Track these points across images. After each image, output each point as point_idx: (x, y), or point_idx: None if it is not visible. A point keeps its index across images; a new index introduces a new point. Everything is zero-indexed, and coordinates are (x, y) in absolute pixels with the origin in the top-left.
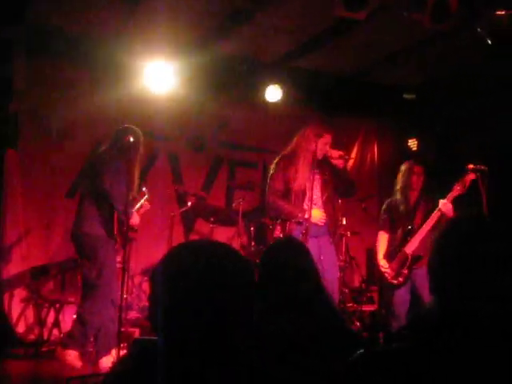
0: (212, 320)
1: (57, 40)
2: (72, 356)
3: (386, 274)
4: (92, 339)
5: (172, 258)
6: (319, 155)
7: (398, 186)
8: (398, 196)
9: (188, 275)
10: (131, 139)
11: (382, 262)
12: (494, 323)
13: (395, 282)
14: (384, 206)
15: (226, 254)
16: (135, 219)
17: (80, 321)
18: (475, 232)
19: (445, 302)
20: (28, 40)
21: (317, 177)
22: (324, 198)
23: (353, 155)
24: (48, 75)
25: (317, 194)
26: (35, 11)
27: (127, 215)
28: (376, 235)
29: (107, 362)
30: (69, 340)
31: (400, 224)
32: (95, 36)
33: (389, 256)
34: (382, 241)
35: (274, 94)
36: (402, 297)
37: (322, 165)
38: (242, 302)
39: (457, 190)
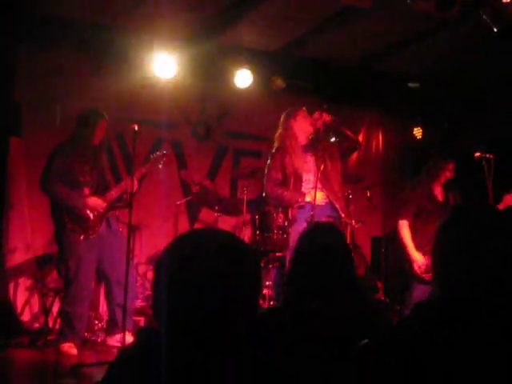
0: (215, 308)
1: (60, 28)
2: (66, 346)
3: (418, 268)
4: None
5: (176, 246)
6: (309, 130)
7: (429, 177)
8: (428, 187)
9: (191, 263)
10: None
11: (417, 255)
12: (495, 313)
13: (427, 277)
14: (408, 193)
15: (230, 243)
16: (92, 203)
17: (63, 315)
18: (481, 221)
19: (447, 291)
20: (31, 28)
21: (309, 159)
22: (321, 177)
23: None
24: (51, 63)
25: (311, 176)
26: (39, 1)
27: (81, 206)
28: (380, 223)
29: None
30: (60, 337)
31: (433, 217)
32: (99, 24)
33: (420, 248)
34: (408, 231)
35: (277, 82)
36: (423, 293)
37: (313, 143)
38: (246, 290)
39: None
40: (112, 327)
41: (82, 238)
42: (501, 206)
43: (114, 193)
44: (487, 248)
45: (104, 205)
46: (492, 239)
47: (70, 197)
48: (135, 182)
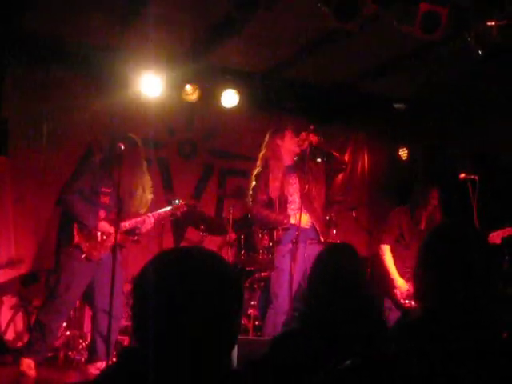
0: (195, 328)
1: (47, 46)
2: (25, 365)
3: (398, 294)
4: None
5: (154, 265)
6: (295, 150)
7: (414, 205)
8: (413, 214)
9: (169, 283)
10: (122, 147)
11: (400, 282)
12: (471, 330)
13: (406, 304)
14: (391, 218)
15: (211, 262)
16: (101, 228)
17: (37, 326)
18: (456, 239)
19: (429, 311)
20: (18, 46)
21: (294, 181)
22: (304, 198)
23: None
24: (39, 81)
25: (296, 198)
26: (27, 17)
27: (91, 226)
28: (366, 244)
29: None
30: (25, 349)
31: (413, 244)
32: (88, 43)
33: (402, 275)
34: (390, 256)
35: (264, 103)
36: (396, 318)
37: (298, 165)
38: (227, 310)
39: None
40: (91, 355)
41: (83, 256)
42: None
43: (127, 224)
44: (466, 266)
45: (112, 233)
46: (472, 258)
47: (84, 214)
48: (152, 222)
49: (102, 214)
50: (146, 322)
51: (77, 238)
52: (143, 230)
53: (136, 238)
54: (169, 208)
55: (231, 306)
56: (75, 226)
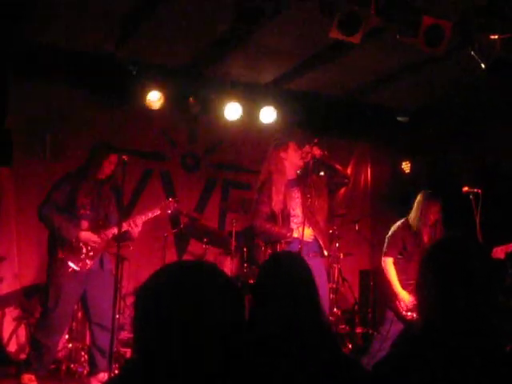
0: (195, 342)
1: (51, 57)
2: (26, 379)
3: (401, 307)
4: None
5: (155, 279)
6: (299, 163)
7: (415, 217)
8: (415, 227)
9: (171, 297)
10: (125, 159)
11: (403, 294)
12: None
13: (408, 316)
14: (394, 232)
15: (212, 275)
16: (84, 238)
17: (34, 344)
18: (457, 252)
19: (430, 321)
20: (22, 57)
21: (297, 194)
22: (307, 212)
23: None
24: (43, 93)
25: (299, 211)
26: (31, 29)
27: (72, 237)
28: (369, 257)
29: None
30: (23, 366)
31: (415, 257)
32: (89, 54)
33: (404, 288)
34: (393, 268)
35: (268, 115)
36: (398, 330)
37: (301, 178)
38: (228, 323)
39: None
40: (92, 368)
41: (70, 270)
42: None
43: (113, 231)
44: (468, 279)
45: (98, 241)
46: (473, 268)
47: (63, 227)
48: (139, 224)
49: (85, 224)
50: (147, 335)
51: (60, 253)
52: (133, 234)
53: (126, 245)
54: (156, 208)
55: (233, 319)
56: (57, 240)
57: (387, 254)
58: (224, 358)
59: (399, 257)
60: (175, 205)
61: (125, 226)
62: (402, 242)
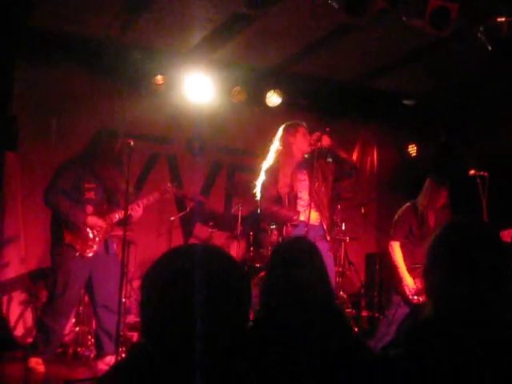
0: (203, 325)
1: (57, 43)
2: (33, 362)
3: (407, 291)
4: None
5: (161, 263)
6: (305, 149)
7: (423, 202)
8: (422, 211)
9: (179, 280)
10: (131, 143)
11: (409, 279)
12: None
13: (414, 299)
14: (400, 216)
15: (218, 258)
16: (91, 223)
17: (41, 328)
18: (465, 236)
19: (437, 307)
20: (28, 42)
21: (304, 177)
22: (314, 198)
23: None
24: (49, 79)
25: (305, 194)
26: (36, 15)
27: (80, 222)
28: (375, 241)
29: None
30: (31, 350)
31: (422, 241)
32: (98, 40)
33: (410, 271)
34: (399, 252)
35: (274, 99)
36: (404, 313)
37: (309, 162)
38: (235, 306)
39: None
40: (99, 350)
41: (77, 254)
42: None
43: (117, 215)
44: (475, 264)
45: (104, 225)
46: (479, 255)
47: (71, 212)
48: (140, 209)
49: (90, 209)
50: (154, 318)
51: (68, 238)
52: (133, 219)
53: (129, 229)
54: (156, 193)
55: (241, 301)
56: (63, 225)
57: (394, 238)
58: (230, 342)
59: (406, 239)
60: (174, 189)
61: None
62: (409, 225)
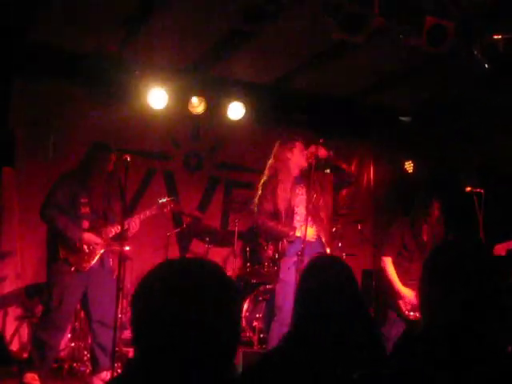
0: (192, 340)
1: (54, 58)
2: (29, 378)
3: (403, 307)
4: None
5: (150, 277)
6: (303, 164)
7: (416, 216)
8: (415, 226)
9: (164, 294)
10: (128, 159)
11: (406, 290)
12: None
13: (411, 316)
14: (394, 230)
15: (209, 272)
16: (87, 239)
17: (36, 343)
18: (459, 255)
19: (430, 324)
20: (26, 57)
21: (301, 191)
22: (311, 212)
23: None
24: (46, 93)
25: (302, 209)
26: (34, 30)
27: (76, 238)
28: (371, 257)
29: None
30: (26, 365)
31: (416, 256)
32: (93, 54)
33: (406, 285)
34: (392, 267)
35: (269, 115)
36: (401, 331)
37: (306, 175)
38: (226, 318)
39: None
40: (95, 366)
41: (72, 269)
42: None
43: (113, 230)
44: (470, 283)
45: (99, 242)
46: (473, 272)
47: (67, 228)
48: (137, 223)
49: (86, 224)
50: (144, 333)
51: (63, 253)
52: (129, 233)
53: (125, 244)
54: (154, 207)
55: (231, 315)
56: (59, 240)
57: (386, 254)
58: (220, 356)
59: (400, 257)
60: (172, 204)
61: (125, 225)
62: (402, 241)
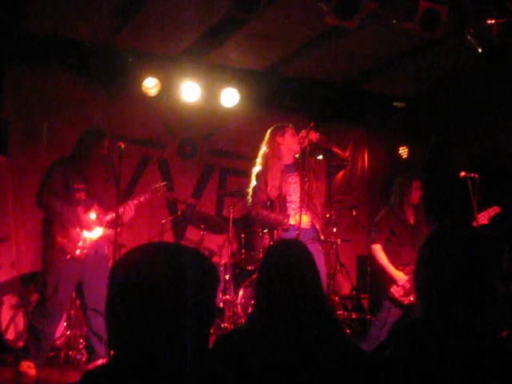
0: (166, 325)
1: (47, 46)
2: (25, 366)
3: (397, 292)
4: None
5: (123, 261)
6: (296, 149)
7: (398, 200)
8: (399, 211)
9: (139, 280)
10: (122, 146)
11: (399, 274)
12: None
13: (405, 301)
14: (380, 218)
15: (185, 257)
16: (85, 221)
17: (31, 331)
18: (453, 239)
19: (431, 311)
20: (18, 46)
21: (295, 179)
22: (305, 199)
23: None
24: (38, 81)
25: (296, 197)
26: (26, 18)
27: (74, 223)
28: (366, 243)
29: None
30: (21, 354)
31: (405, 240)
32: (87, 43)
33: (398, 270)
34: (383, 254)
35: (264, 101)
36: (396, 316)
37: (299, 162)
38: (198, 304)
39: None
40: (90, 354)
41: (67, 257)
42: (475, 225)
43: (108, 216)
44: (465, 267)
45: (96, 226)
46: (467, 256)
47: (65, 211)
48: (132, 210)
49: (81, 209)
50: (119, 314)
51: (59, 240)
52: (125, 219)
53: (119, 229)
54: (148, 193)
55: (206, 298)
56: (55, 227)
57: (375, 241)
58: (193, 339)
59: (389, 243)
60: (165, 188)
61: (120, 212)
62: (389, 227)
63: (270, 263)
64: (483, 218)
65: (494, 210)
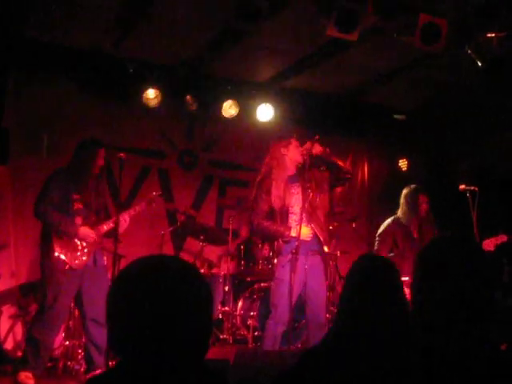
0: (164, 340)
1: (49, 55)
2: (23, 376)
3: None
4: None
5: (121, 277)
6: (299, 160)
7: (404, 212)
8: (404, 223)
9: (137, 295)
10: (123, 157)
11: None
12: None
13: None
14: (383, 230)
15: (177, 272)
16: (83, 233)
17: (30, 342)
18: (450, 251)
19: (419, 316)
20: (20, 55)
21: (297, 190)
22: (308, 210)
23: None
24: (40, 91)
25: (298, 208)
26: (28, 26)
27: (72, 233)
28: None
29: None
30: (20, 364)
31: (407, 253)
32: (87, 52)
33: None
34: None
35: (265, 113)
36: None
37: (302, 173)
38: (195, 319)
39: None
40: (89, 364)
41: (66, 267)
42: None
43: (105, 226)
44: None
45: (94, 237)
46: (464, 268)
47: (63, 222)
48: (127, 220)
49: (79, 220)
50: (117, 328)
51: (57, 250)
52: (120, 230)
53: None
54: (142, 203)
55: (202, 313)
56: (53, 237)
57: (378, 251)
58: (191, 353)
59: (391, 254)
60: (160, 198)
61: (114, 222)
62: (393, 239)
63: (355, 277)
64: (489, 245)
65: (502, 238)
